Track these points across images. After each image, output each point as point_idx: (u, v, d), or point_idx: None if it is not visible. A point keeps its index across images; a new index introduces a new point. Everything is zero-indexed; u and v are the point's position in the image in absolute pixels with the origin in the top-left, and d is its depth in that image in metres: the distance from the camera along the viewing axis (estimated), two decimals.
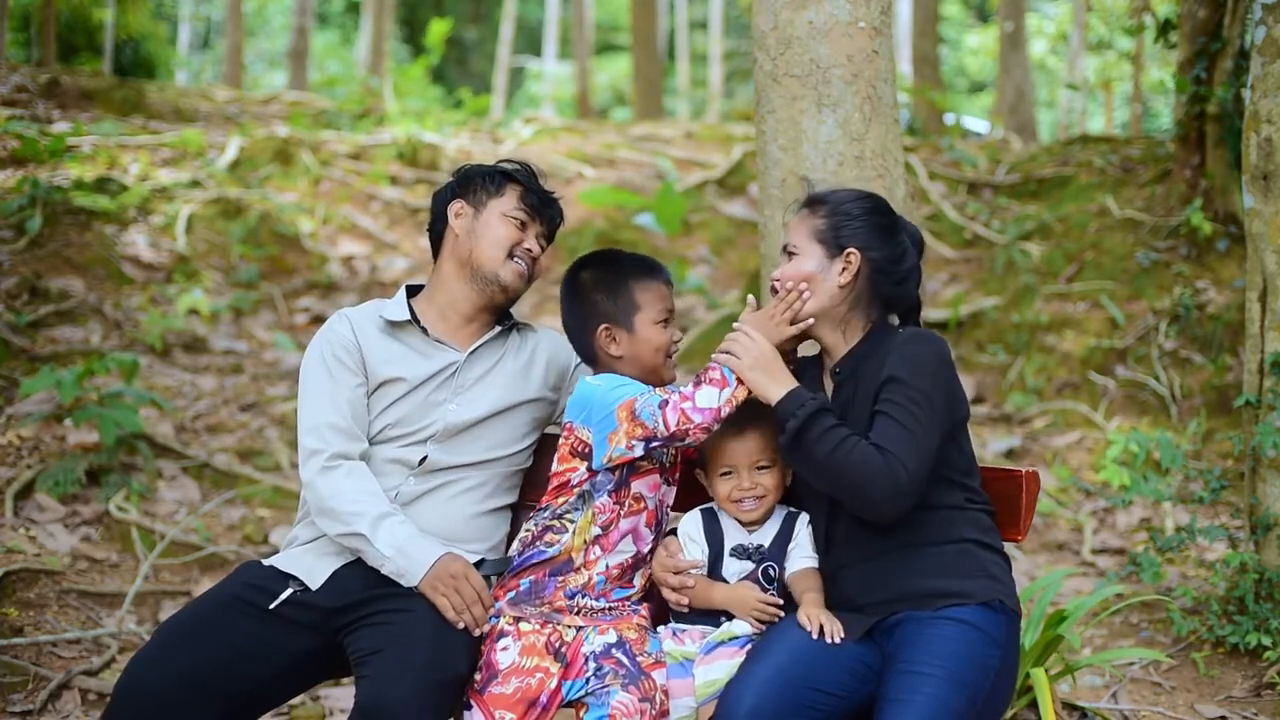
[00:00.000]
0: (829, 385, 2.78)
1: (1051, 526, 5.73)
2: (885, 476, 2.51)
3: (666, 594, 2.73)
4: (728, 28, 27.17)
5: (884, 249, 2.74)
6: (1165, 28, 7.43)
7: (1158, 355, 6.69)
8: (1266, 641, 3.95)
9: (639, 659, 2.62)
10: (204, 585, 4.79)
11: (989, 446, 6.46)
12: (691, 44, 27.93)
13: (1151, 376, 6.58)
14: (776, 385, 2.61)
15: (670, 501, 2.83)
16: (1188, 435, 5.93)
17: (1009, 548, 2.84)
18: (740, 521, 2.75)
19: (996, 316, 7.45)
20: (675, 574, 2.72)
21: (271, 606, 2.72)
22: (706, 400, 2.59)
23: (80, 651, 4.14)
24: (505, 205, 2.94)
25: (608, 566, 2.71)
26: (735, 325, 2.70)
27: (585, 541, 2.69)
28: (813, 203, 2.79)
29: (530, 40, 29.09)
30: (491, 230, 2.92)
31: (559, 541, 2.70)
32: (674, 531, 2.82)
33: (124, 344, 6.91)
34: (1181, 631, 4.18)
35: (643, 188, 10.27)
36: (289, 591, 2.75)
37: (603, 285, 2.80)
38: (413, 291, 3.03)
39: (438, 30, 14.72)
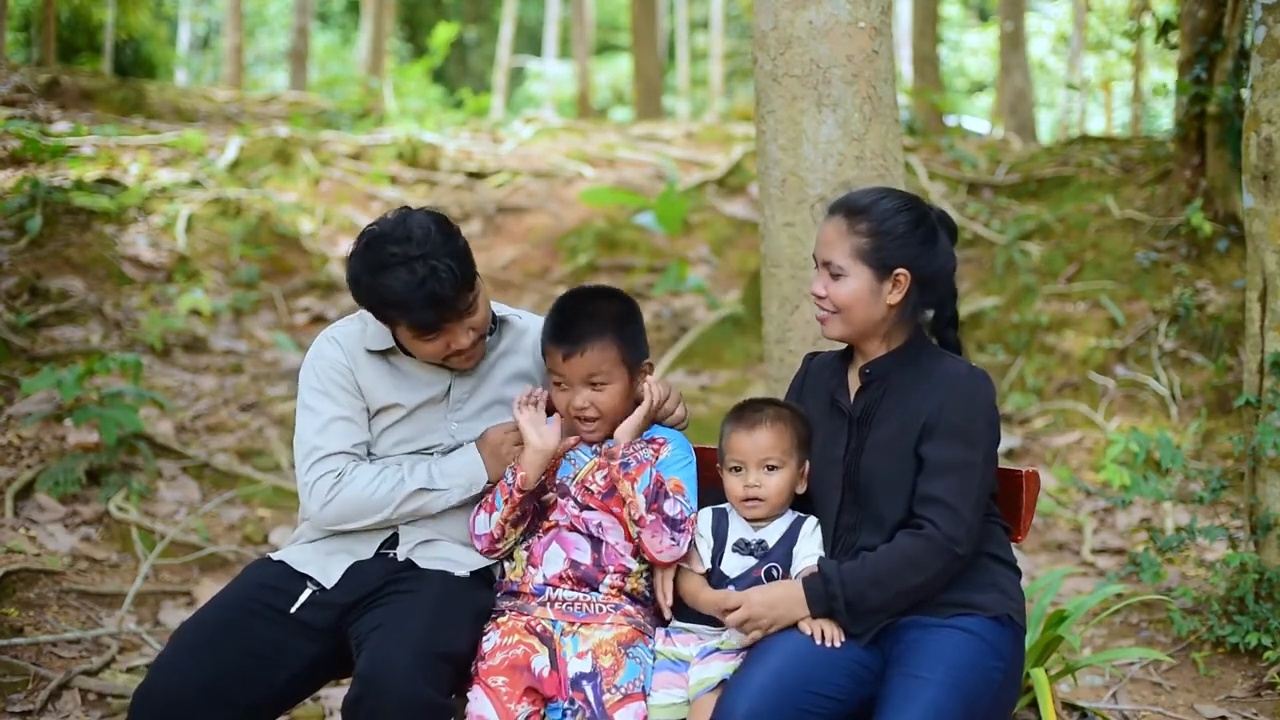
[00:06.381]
0: (854, 382, 2.76)
1: (1051, 526, 5.72)
2: (938, 555, 2.53)
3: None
4: (728, 27, 27.14)
5: (930, 262, 2.67)
6: (1165, 28, 7.43)
7: (1158, 355, 6.68)
8: (1266, 641, 3.94)
9: (606, 696, 2.61)
10: (204, 585, 4.79)
11: None
12: (692, 43, 27.89)
13: (1151, 376, 6.58)
14: (798, 605, 2.59)
15: (600, 520, 2.79)
16: (1188, 435, 5.93)
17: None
18: (745, 519, 2.75)
19: (996, 316, 7.44)
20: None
21: (293, 610, 2.73)
22: (480, 526, 2.82)
23: (80, 651, 4.14)
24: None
25: (544, 576, 2.76)
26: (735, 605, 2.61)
27: (524, 565, 2.82)
28: (851, 213, 2.66)
29: (530, 40, 29.06)
30: (418, 349, 2.81)
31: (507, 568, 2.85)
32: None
33: (124, 344, 6.91)
34: (1181, 631, 4.18)
35: (643, 188, 10.26)
36: (308, 592, 2.75)
37: (554, 314, 2.83)
38: None
39: (443, 33, 14.73)
